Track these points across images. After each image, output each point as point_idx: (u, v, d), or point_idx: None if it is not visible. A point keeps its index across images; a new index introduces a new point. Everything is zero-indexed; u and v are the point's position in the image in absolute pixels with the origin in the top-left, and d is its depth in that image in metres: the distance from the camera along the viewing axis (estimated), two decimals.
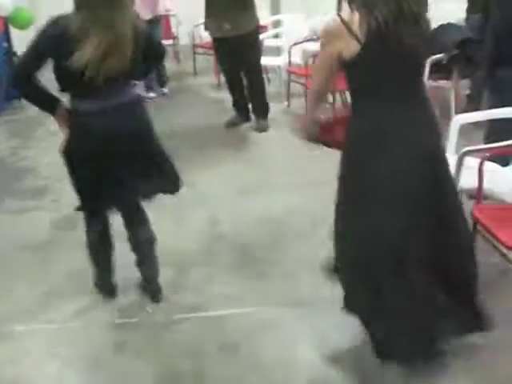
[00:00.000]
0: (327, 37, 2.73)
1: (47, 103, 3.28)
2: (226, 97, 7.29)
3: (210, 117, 6.91)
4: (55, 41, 3.03)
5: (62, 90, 3.23)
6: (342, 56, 2.62)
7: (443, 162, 2.85)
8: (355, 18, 2.57)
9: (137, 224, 3.62)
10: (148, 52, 3.28)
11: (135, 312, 3.61)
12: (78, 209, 3.54)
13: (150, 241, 3.65)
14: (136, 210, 3.59)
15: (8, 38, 8.07)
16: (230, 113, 6.83)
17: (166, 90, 8.14)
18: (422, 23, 2.64)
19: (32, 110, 8.05)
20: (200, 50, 9.09)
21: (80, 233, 3.76)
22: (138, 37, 3.14)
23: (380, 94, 2.68)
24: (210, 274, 3.94)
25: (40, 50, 3.08)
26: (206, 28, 6.55)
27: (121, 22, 3.04)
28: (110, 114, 3.19)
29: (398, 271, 2.75)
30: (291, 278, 3.83)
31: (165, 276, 3.85)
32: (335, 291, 3.05)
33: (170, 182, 3.50)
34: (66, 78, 3.14)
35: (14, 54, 8.16)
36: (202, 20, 9.51)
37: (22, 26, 7.99)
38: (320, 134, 3.23)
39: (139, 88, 3.50)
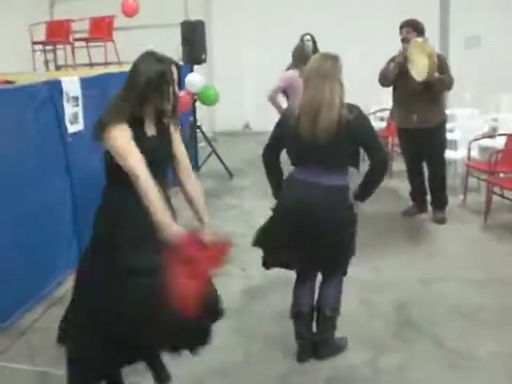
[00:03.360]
0: None
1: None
2: (398, 184, 7.43)
3: (386, 204, 6.98)
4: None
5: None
6: None
7: None
8: None
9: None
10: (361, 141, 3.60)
11: None
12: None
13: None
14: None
15: (194, 113, 8.66)
16: (404, 201, 6.93)
17: None
18: None
19: (207, 182, 8.56)
20: None
21: (271, 301, 4.18)
22: (341, 119, 3.45)
23: None
24: (405, 359, 3.94)
25: None
26: (393, 117, 6.72)
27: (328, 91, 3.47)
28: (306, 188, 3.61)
29: None
30: (487, 373, 3.79)
31: (361, 355, 3.95)
32: None
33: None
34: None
35: (199, 127, 8.73)
36: (371, 108, 9.86)
37: (209, 102, 8.56)
38: None
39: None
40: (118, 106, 2.94)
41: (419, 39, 5.95)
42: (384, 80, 6.32)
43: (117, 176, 2.88)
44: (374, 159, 3.63)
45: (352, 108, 3.52)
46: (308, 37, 7.83)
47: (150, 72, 2.89)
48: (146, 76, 2.89)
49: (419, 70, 5.86)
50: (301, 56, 6.82)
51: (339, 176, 3.61)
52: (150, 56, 2.97)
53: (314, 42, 7.81)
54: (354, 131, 3.48)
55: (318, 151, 3.52)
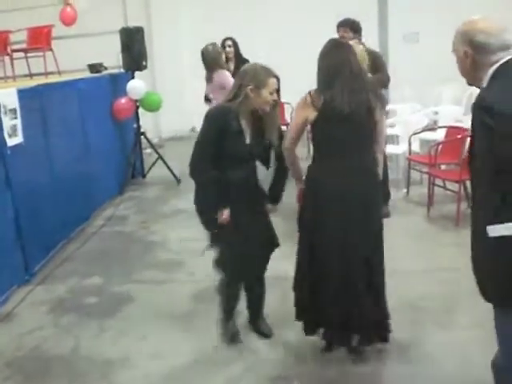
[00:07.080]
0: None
1: None
2: None
3: None
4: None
5: None
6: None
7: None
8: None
9: None
10: None
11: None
12: None
13: None
14: None
15: (137, 120, 8.61)
16: None
17: None
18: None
19: (154, 188, 8.54)
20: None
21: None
22: None
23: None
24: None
25: None
26: None
27: None
28: None
29: None
30: (435, 363, 3.85)
31: (304, 349, 4.01)
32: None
33: None
34: None
35: (143, 133, 8.69)
36: None
37: (152, 108, 8.55)
38: None
39: None
40: None
41: (350, 42, 6.06)
42: None
43: None
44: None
45: None
46: (229, 42, 7.61)
47: None
48: None
49: None
50: (213, 60, 6.93)
51: None
52: None
53: (236, 46, 7.62)
54: None
55: None
